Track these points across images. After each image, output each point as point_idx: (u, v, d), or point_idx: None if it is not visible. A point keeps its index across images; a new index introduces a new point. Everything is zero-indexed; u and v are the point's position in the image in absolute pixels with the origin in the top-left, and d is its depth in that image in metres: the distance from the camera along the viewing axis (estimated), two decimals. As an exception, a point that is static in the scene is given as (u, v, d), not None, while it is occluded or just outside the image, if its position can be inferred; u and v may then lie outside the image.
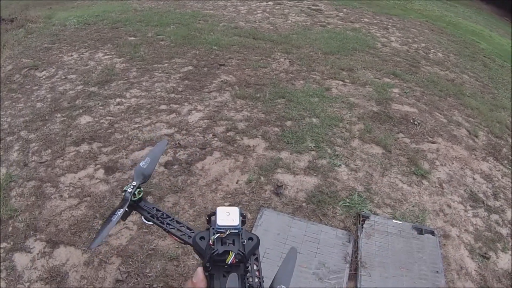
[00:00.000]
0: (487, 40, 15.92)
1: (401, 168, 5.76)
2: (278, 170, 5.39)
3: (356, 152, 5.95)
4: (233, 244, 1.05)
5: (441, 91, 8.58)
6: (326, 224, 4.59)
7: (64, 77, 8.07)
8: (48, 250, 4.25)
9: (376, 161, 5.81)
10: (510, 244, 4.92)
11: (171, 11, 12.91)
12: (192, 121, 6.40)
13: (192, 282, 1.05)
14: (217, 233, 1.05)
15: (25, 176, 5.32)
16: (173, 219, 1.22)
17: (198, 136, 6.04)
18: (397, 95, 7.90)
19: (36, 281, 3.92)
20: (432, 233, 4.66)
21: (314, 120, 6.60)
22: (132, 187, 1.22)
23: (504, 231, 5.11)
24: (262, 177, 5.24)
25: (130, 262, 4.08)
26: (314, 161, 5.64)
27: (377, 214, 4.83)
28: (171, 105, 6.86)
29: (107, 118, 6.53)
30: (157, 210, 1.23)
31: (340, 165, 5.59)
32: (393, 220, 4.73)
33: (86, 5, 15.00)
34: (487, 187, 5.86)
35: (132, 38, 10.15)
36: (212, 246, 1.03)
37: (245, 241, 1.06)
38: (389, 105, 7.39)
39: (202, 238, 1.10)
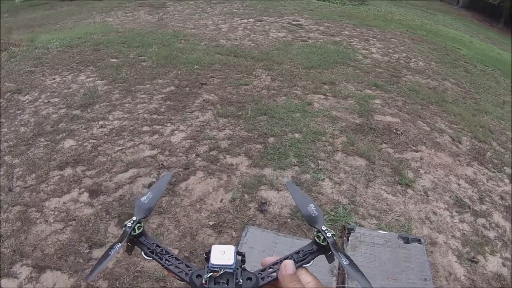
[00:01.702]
0: (468, 46, 16.13)
1: (385, 179, 5.77)
2: (261, 187, 5.38)
3: (339, 165, 5.96)
4: (227, 284, 1.01)
5: (423, 99, 8.64)
6: (311, 239, 4.56)
7: (47, 100, 8.05)
8: (35, 275, 4.21)
9: (359, 173, 5.82)
10: (498, 246, 4.94)
11: (153, 32, 12.98)
12: (175, 142, 6.40)
13: None
14: (210, 272, 1.02)
15: (10, 201, 5.27)
16: (172, 255, 1.17)
17: (181, 156, 6.03)
18: (379, 106, 7.94)
19: (24, 307, 3.90)
20: (419, 241, 4.66)
21: (296, 135, 6.61)
22: (132, 222, 1.19)
23: (492, 234, 5.13)
24: (246, 195, 5.22)
25: (117, 285, 4.04)
26: (298, 176, 5.63)
27: (363, 226, 4.83)
28: (154, 126, 6.86)
29: (90, 141, 6.51)
30: (157, 245, 1.20)
31: (323, 179, 5.59)
32: (379, 231, 4.73)
33: (68, 27, 15.09)
34: (472, 191, 5.88)
35: (114, 60, 10.16)
36: (205, 285, 1.01)
37: (241, 281, 1.02)
38: (371, 117, 7.42)
39: (198, 276, 1.07)
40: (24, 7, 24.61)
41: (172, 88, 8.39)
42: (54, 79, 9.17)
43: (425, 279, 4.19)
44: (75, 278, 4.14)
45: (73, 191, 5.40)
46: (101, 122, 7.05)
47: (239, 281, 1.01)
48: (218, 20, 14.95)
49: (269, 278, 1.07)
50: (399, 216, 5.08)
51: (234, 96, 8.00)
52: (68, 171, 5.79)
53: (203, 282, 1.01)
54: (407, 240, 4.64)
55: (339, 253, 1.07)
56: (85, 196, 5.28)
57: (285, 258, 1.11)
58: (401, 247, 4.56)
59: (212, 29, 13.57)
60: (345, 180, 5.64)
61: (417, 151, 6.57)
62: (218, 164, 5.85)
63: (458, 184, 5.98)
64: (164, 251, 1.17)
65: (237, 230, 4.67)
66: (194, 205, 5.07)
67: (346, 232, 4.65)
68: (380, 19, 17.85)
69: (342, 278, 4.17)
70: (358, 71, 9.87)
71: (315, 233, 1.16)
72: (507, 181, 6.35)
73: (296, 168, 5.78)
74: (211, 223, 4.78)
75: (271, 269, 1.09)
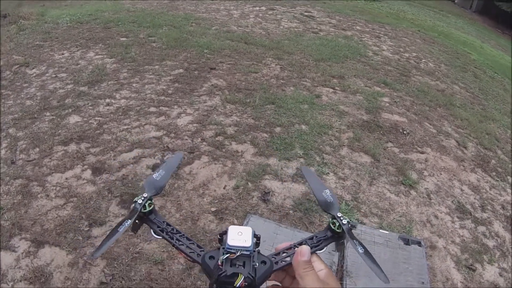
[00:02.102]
0: (479, 51, 16.05)
1: (389, 178, 5.75)
2: (266, 177, 5.36)
3: (344, 160, 5.93)
4: (243, 266, 0.99)
5: (431, 101, 8.60)
6: (312, 233, 4.55)
7: (54, 75, 8.00)
8: (33, 249, 4.18)
9: (364, 170, 5.79)
10: (497, 256, 4.93)
11: (164, 13, 12.90)
12: (181, 125, 6.36)
13: None
14: (227, 253, 1.00)
15: (12, 174, 5.24)
16: (183, 235, 1.15)
17: (186, 139, 6.00)
18: (387, 104, 7.91)
19: (20, 281, 3.86)
20: (419, 243, 4.65)
21: (303, 127, 6.58)
22: (142, 198, 1.16)
23: (491, 243, 5.11)
24: (249, 183, 5.20)
25: (115, 265, 4.03)
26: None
27: (364, 224, 4.81)
28: (161, 107, 6.82)
29: (96, 118, 6.48)
30: (167, 224, 1.17)
31: (328, 173, 5.57)
32: (380, 230, 4.71)
33: (79, 4, 14.95)
34: (474, 198, 5.87)
35: (124, 39, 10.11)
36: (221, 267, 0.98)
37: (257, 264, 1.00)
38: (379, 114, 7.39)
39: (211, 257, 1.04)
40: None
41: (181, 70, 8.35)
42: (63, 54, 9.12)
43: (423, 283, 4.18)
44: (74, 255, 4.12)
45: (76, 167, 5.37)
46: (107, 100, 7.02)
47: (255, 264, 0.99)
48: (230, 5, 14.87)
49: (283, 262, 1.06)
50: (400, 217, 5.07)
51: (243, 83, 7.96)
52: (72, 147, 5.76)
53: (219, 263, 0.98)
54: (407, 242, 4.63)
55: (355, 241, 1.07)
56: (88, 173, 5.25)
57: (300, 244, 1.12)
58: (401, 248, 4.55)
59: (224, 14, 13.50)
60: (349, 176, 5.62)
61: (422, 152, 6.55)
62: (224, 150, 5.82)
63: (461, 190, 5.96)
64: (174, 230, 1.15)
65: (239, 218, 4.65)
66: (197, 189, 5.05)
67: (348, 228, 4.63)
68: (392, 16, 17.77)
69: (341, 274, 4.17)
70: (368, 67, 9.82)
71: (330, 219, 1.17)
72: (509, 190, 6.34)
73: (301, 160, 5.76)
74: (213, 209, 4.76)
75: (285, 254, 1.08)
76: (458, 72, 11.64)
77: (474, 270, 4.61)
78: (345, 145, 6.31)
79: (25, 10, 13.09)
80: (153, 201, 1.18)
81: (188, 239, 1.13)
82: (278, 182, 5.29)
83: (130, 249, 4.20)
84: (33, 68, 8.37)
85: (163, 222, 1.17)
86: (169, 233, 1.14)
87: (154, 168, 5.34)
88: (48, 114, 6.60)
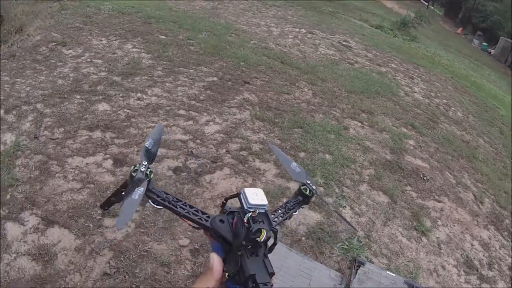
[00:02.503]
0: (508, 107, 16.00)
1: (404, 221, 5.79)
2: (283, 199, 5.40)
3: (362, 196, 5.99)
4: (263, 222, 1.08)
5: (455, 151, 8.63)
6: (321, 263, 4.61)
7: (90, 60, 8.19)
8: (42, 227, 4.28)
9: (380, 209, 5.85)
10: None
11: (205, 18, 13.08)
12: (208, 133, 6.46)
13: (211, 268, 1.11)
14: (248, 213, 1.08)
15: (33, 148, 5.38)
16: (185, 203, 1.19)
17: (211, 148, 6.09)
18: (412, 147, 7.95)
19: (24, 255, 3.95)
20: (423, 291, 4.68)
21: (327, 156, 6.65)
22: (144, 166, 1.18)
23: (493, 302, 5.14)
24: (267, 203, 5.26)
25: (122, 259, 4.10)
26: (321, 197, 5.66)
27: (373, 262, 4.85)
28: (190, 112, 6.92)
29: (125, 110, 6.61)
30: (166, 194, 1.20)
31: (345, 206, 5.63)
32: (387, 272, 4.75)
33: None
34: (483, 255, 5.88)
35: (163, 37, 10.27)
36: (247, 224, 1.06)
37: (273, 220, 1.12)
38: (402, 156, 7.43)
39: (221, 221, 1.12)
40: None
41: (215, 78, 8.47)
42: (101, 41, 9.31)
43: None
44: (82, 241, 4.21)
45: (98, 154, 5.47)
46: (139, 95, 7.15)
47: (276, 219, 1.15)
48: (271, 22, 15.00)
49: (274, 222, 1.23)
50: (409, 262, 5.11)
51: (274, 102, 8.05)
52: (97, 134, 5.87)
53: (245, 221, 1.07)
54: (412, 288, 4.66)
55: (326, 198, 1.32)
56: (108, 163, 5.36)
57: (275, 211, 1.30)
58: (406, 293, 4.58)
59: (264, 30, 13.63)
60: (365, 212, 5.68)
61: (439, 201, 6.58)
62: (246, 165, 5.90)
63: (472, 245, 5.99)
64: (175, 199, 1.19)
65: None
66: (214, 199, 5.13)
67: (356, 264, 4.68)
68: (428, 59, 17.80)
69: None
70: (398, 106, 9.87)
71: (301, 186, 1.40)
72: (519, 253, 6.35)
73: (321, 189, 5.82)
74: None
75: (272, 216, 1.21)
76: (485, 125, 11.64)
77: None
78: (365, 181, 6.36)
79: None
80: (151, 170, 1.20)
81: (191, 206, 1.19)
82: (296, 208, 5.34)
83: (139, 246, 4.27)
84: (70, 49, 8.55)
85: (162, 191, 1.19)
86: (172, 202, 1.18)
87: (175, 171, 5.42)
88: (78, 96, 6.75)
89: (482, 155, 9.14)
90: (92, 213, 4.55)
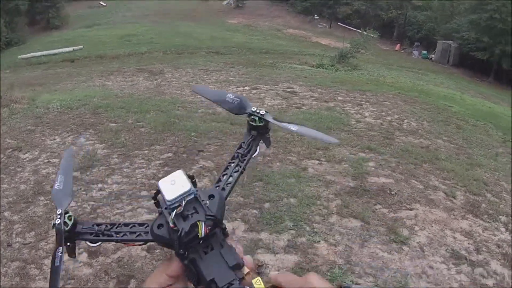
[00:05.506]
0: (459, 102, 16.46)
1: (380, 238, 5.90)
2: (258, 251, 5.52)
3: (334, 227, 6.10)
4: (197, 212, 0.88)
5: (416, 159, 8.83)
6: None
7: (47, 160, 8.28)
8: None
9: (354, 233, 5.96)
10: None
11: (151, 98, 13.34)
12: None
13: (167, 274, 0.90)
14: (172, 211, 0.87)
15: (9, 256, 5.42)
16: (120, 224, 1.02)
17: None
18: (373, 168, 8.15)
19: None
20: (415, 296, 4.75)
21: (291, 200, 6.78)
22: (59, 216, 1.02)
23: (490, 281, 5.24)
24: (243, 259, 5.33)
25: None
26: (294, 239, 5.77)
27: (359, 284, 4.93)
28: (152, 191, 6.93)
29: (89, 203, 6.69)
30: (97, 225, 1.03)
31: (319, 241, 5.73)
32: (375, 288, 4.83)
33: (69, 89, 15.48)
34: (468, 243, 6.01)
35: (113, 124, 10.40)
36: (175, 228, 0.86)
37: (207, 202, 0.90)
38: (365, 179, 7.61)
39: (160, 226, 0.91)
40: (24, 65, 25.33)
41: (170, 154, 8.62)
42: (54, 139, 9.43)
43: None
44: None
45: (72, 251, 5.51)
46: (100, 185, 7.25)
47: (206, 203, 0.90)
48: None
49: (229, 185, 1.02)
50: (395, 273, 5.19)
51: (231, 163, 8.14)
52: (67, 231, 5.91)
53: (172, 225, 0.87)
54: (403, 296, 4.73)
55: (283, 123, 1.04)
56: (84, 256, 5.39)
57: (233, 158, 1.09)
58: (398, 303, 4.65)
59: (208, 97, 13.86)
60: (340, 241, 5.78)
61: (411, 209, 6.72)
62: (215, 231, 5.97)
63: (454, 238, 6.10)
64: (108, 226, 1.02)
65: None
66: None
67: (343, 291, 4.76)
68: (372, 83, 18.26)
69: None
70: (351, 135, 10.10)
71: (248, 119, 1.11)
72: (503, 229, 6.49)
73: (292, 231, 5.93)
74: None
75: (225, 176, 1.04)
76: (441, 126, 11.93)
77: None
78: (334, 212, 6.49)
79: (16, 93, 13.45)
80: (71, 213, 1.04)
81: (125, 225, 1.02)
82: (271, 255, 5.44)
83: None
84: (26, 153, 8.66)
85: (93, 225, 1.04)
86: (105, 233, 1.01)
87: (149, 250, 5.48)
88: (42, 198, 6.82)
89: (444, 154, 9.37)
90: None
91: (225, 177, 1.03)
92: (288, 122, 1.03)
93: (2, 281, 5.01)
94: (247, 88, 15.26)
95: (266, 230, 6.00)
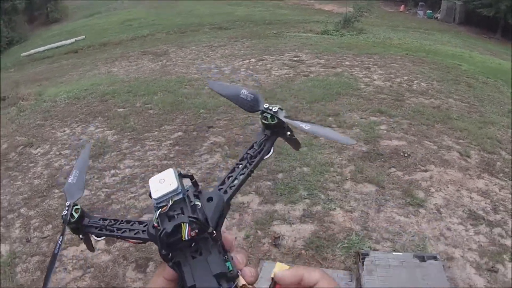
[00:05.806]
0: (468, 61, 16.20)
1: (396, 201, 5.83)
2: (274, 222, 5.50)
3: (349, 193, 6.05)
4: (182, 213, 0.84)
5: (428, 119, 8.71)
6: (326, 268, 4.63)
7: (58, 153, 8.33)
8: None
9: (370, 199, 5.90)
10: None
11: (157, 79, 13.24)
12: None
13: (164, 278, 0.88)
14: (158, 209, 0.86)
15: (28, 251, 5.49)
16: (122, 221, 1.01)
17: (193, 200, 6.13)
18: (385, 131, 8.04)
19: None
20: (435, 258, 4.68)
21: (305, 169, 6.72)
22: (66, 208, 1.03)
23: (509, 241, 5.16)
24: (259, 231, 5.32)
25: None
26: (309, 208, 5.73)
27: (377, 250, 4.88)
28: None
29: (103, 190, 6.72)
30: (103, 220, 1.03)
31: (334, 208, 5.68)
32: (394, 253, 4.77)
33: (75, 79, 15.42)
34: (485, 203, 5.92)
35: (121, 110, 10.41)
36: (159, 228, 0.83)
37: (199, 204, 0.87)
38: (377, 143, 7.52)
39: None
40: (28, 62, 25.29)
41: (180, 133, 8.60)
42: (64, 131, 9.47)
43: (445, 295, 4.22)
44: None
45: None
46: (112, 171, 7.28)
47: (197, 204, 0.87)
48: (220, 63, 15.15)
49: (232, 188, 0.97)
50: (413, 236, 5.14)
51: (241, 136, 8.16)
52: (84, 220, 5.93)
53: (155, 225, 0.85)
54: (423, 259, 4.67)
55: (296, 121, 0.99)
56: (101, 243, 5.39)
57: (241, 160, 1.03)
58: (418, 266, 4.59)
59: (215, 72, 13.78)
60: (356, 207, 5.72)
61: (426, 170, 6.63)
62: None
63: (471, 198, 6.03)
64: (111, 221, 1.02)
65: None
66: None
67: (361, 257, 4.70)
68: (379, 46, 18.00)
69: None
70: (361, 99, 9.97)
71: (260, 116, 1.05)
72: (520, 187, 6.39)
73: (307, 200, 5.88)
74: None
75: (230, 178, 0.99)
76: (451, 85, 11.74)
77: (496, 272, 4.65)
78: (348, 178, 6.43)
79: (22, 91, 13.52)
80: (79, 206, 1.04)
81: (127, 222, 1.01)
82: (287, 226, 5.41)
83: None
84: (37, 148, 8.72)
85: (99, 220, 1.04)
86: (108, 228, 1.01)
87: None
88: (56, 191, 6.86)
89: (456, 114, 9.23)
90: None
91: (230, 179, 0.99)
92: (301, 121, 1.00)
93: (23, 277, 5.06)
94: (253, 60, 15.09)
95: (280, 201, 5.96)
